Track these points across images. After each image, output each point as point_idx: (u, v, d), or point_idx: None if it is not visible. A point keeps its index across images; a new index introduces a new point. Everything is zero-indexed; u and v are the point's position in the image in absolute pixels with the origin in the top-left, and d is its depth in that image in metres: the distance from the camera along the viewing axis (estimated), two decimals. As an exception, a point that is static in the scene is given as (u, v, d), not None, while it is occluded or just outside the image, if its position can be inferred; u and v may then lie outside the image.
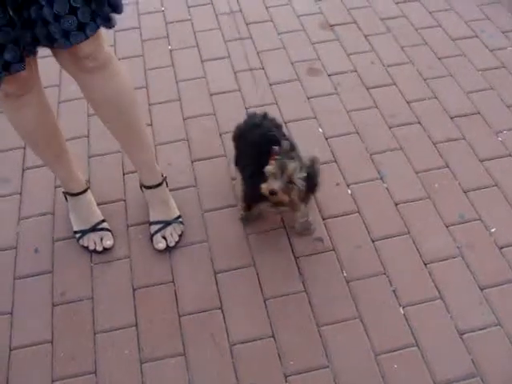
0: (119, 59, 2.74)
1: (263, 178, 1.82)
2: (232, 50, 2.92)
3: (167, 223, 2.11)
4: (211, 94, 2.69)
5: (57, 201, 2.27)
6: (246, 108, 2.61)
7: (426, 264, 2.06)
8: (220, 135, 2.50)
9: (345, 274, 2.03)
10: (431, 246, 2.11)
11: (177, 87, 2.73)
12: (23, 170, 2.41)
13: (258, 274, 2.03)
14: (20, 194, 2.32)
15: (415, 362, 1.82)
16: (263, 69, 2.81)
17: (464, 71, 2.81)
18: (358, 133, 2.51)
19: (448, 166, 2.38)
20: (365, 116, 2.59)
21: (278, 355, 1.84)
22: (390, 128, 2.53)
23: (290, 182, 1.78)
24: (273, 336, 1.88)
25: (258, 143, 1.99)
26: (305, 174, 1.79)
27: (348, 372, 1.80)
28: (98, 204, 2.21)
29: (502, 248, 2.11)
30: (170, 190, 2.25)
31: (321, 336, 1.87)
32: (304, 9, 3.17)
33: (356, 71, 2.80)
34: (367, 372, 1.81)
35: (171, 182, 2.28)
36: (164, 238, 2.09)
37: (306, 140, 2.44)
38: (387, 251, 2.09)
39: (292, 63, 2.85)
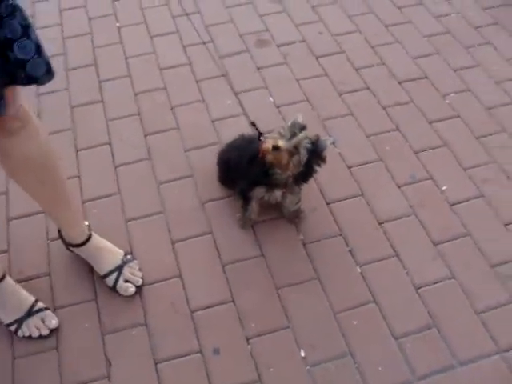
0: (67, 38, 2.78)
1: (258, 165, 1.85)
2: (180, 26, 2.90)
3: (120, 267, 1.91)
4: (161, 69, 2.67)
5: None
6: (197, 81, 2.61)
7: (380, 224, 2.10)
8: (172, 109, 2.49)
9: (301, 237, 2.06)
10: (385, 206, 2.15)
11: (126, 63, 2.70)
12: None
13: (215, 241, 2.04)
14: None
15: (374, 317, 1.86)
16: (212, 42, 2.80)
17: (410, 38, 2.85)
18: (308, 101, 2.53)
19: (398, 129, 2.42)
20: (314, 84, 2.61)
21: (239, 319, 1.85)
22: (340, 95, 2.56)
23: (295, 148, 1.75)
24: (233, 301, 1.89)
25: (243, 148, 2.02)
26: (310, 147, 1.77)
27: (308, 331, 1.83)
28: (19, 281, 1.92)
29: (453, 205, 2.16)
30: (124, 164, 2.25)
31: (280, 298, 1.89)
32: (251, -18, 3.16)
33: (304, 41, 2.82)
34: (328, 330, 1.83)
35: (124, 157, 2.28)
36: (127, 281, 1.91)
37: (258, 109, 2.45)
38: (342, 213, 2.12)
39: (241, 35, 2.84)
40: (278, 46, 2.79)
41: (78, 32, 2.87)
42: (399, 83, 2.62)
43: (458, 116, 2.48)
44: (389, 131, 2.41)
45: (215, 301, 1.89)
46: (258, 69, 2.67)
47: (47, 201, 1.81)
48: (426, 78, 2.65)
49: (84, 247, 1.91)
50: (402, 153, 2.34)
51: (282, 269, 1.97)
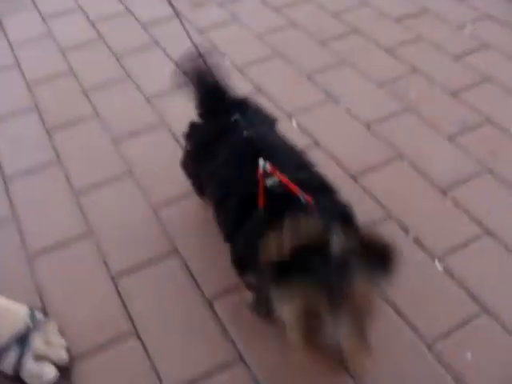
0: None
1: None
2: None
3: (23, 337, 1.01)
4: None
5: None
6: (114, 55, 1.79)
7: (444, 193, 1.32)
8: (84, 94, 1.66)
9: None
10: (442, 169, 1.38)
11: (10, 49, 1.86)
12: None
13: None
14: None
15: None
16: (131, 12, 2.01)
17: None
18: (280, 56, 1.76)
19: (416, 70, 1.68)
20: (283, 36, 1.85)
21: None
22: (323, 43, 1.81)
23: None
24: None
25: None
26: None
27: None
28: None
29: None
30: (19, 174, 1.39)
31: None
32: None
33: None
34: None
35: (18, 165, 1.42)
36: (40, 359, 1.01)
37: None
38: (384, 184, 1.34)
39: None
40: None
41: None
42: (397, 21, 1.90)
43: (486, 45, 1.78)
44: (405, 75, 1.67)
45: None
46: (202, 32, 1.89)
47: None
48: (429, 10, 1.94)
49: None
50: (434, 96, 1.60)
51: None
